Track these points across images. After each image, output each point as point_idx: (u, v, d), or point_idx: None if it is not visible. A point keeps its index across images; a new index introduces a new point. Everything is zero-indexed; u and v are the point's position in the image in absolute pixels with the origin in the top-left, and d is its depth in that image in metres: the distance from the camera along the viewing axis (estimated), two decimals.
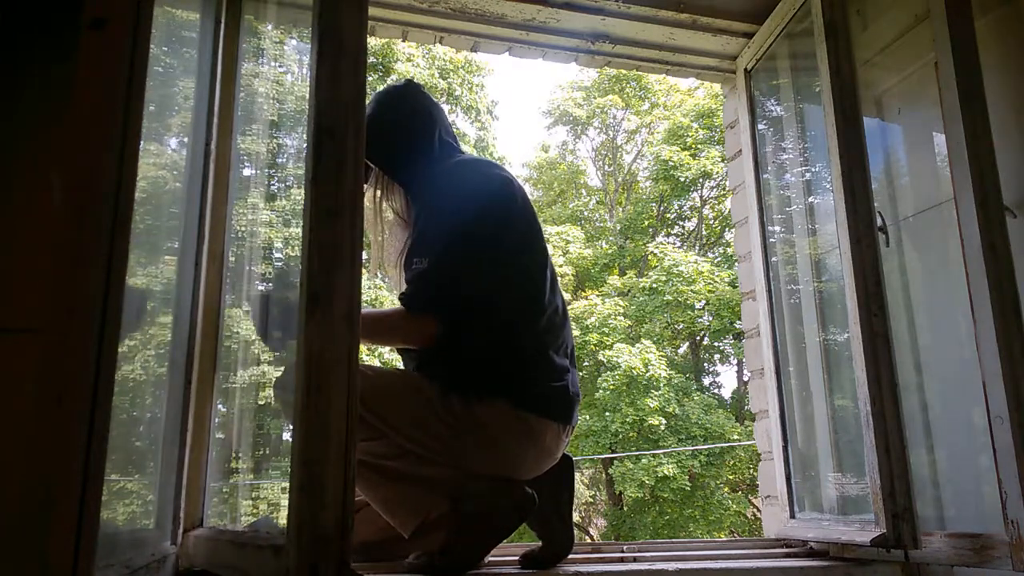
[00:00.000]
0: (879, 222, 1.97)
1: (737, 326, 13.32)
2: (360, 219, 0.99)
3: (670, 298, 13.38)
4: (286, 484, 0.93)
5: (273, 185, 1.99)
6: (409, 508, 1.62)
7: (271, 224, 1.94)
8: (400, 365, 1.88)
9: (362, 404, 1.57)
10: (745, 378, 15.09)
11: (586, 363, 13.41)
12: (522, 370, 1.68)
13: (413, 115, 1.82)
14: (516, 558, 1.75)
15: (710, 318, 14.16)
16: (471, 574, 1.61)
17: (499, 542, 1.65)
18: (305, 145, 1.04)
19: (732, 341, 15.02)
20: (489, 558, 1.77)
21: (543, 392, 1.68)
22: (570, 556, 1.84)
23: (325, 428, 0.90)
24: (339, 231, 0.96)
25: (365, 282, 11.71)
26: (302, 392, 0.91)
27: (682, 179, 15.35)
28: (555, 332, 1.75)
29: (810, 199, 2.32)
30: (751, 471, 13.30)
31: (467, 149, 15.65)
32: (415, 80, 1.96)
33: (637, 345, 12.72)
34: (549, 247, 1.89)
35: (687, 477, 12.25)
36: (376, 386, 1.63)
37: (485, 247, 1.69)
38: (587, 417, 12.46)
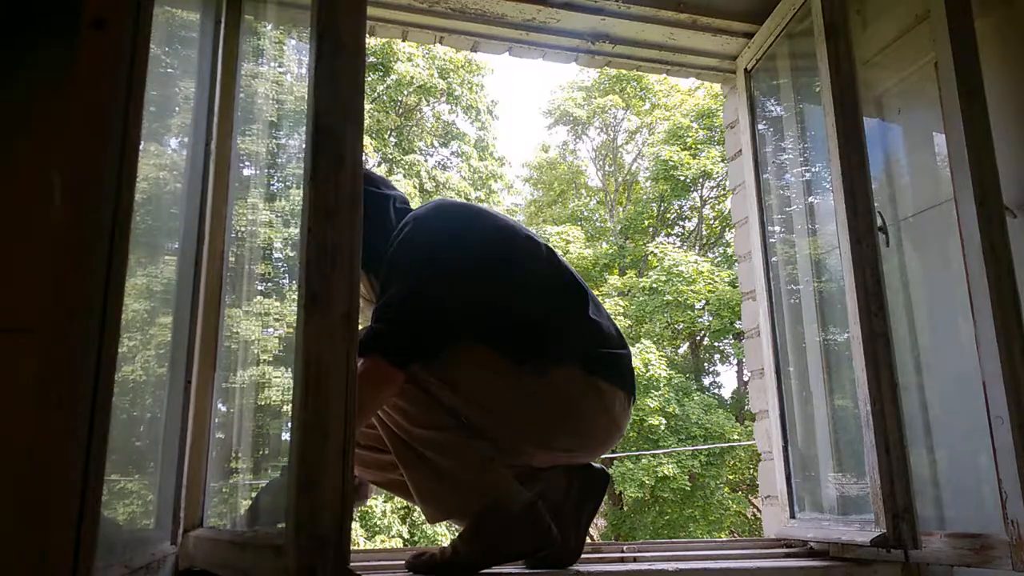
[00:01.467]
0: (879, 222, 1.97)
1: (737, 326, 13.32)
2: (359, 218, 0.99)
3: (670, 298, 13.38)
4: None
5: (273, 185, 1.99)
6: (442, 505, 1.64)
7: (271, 224, 1.94)
8: None
9: (443, 384, 1.60)
10: (745, 378, 15.09)
11: None
12: (591, 337, 1.69)
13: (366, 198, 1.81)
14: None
15: (710, 318, 14.17)
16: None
17: (505, 563, 1.64)
18: (304, 145, 1.04)
19: (732, 341, 15.02)
20: None
21: (611, 359, 1.69)
22: None
23: (324, 428, 0.90)
24: (338, 231, 0.96)
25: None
26: (300, 392, 0.91)
27: (682, 179, 15.36)
28: (603, 313, 1.77)
29: (810, 199, 2.32)
30: (751, 471, 13.30)
31: (467, 149, 15.68)
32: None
33: (637, 345, 12.72)
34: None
35: (687, 477, 12.25)
36: (455, 362, 1.63)
37: (478, 254, 1.68)
38: None
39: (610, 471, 12.68)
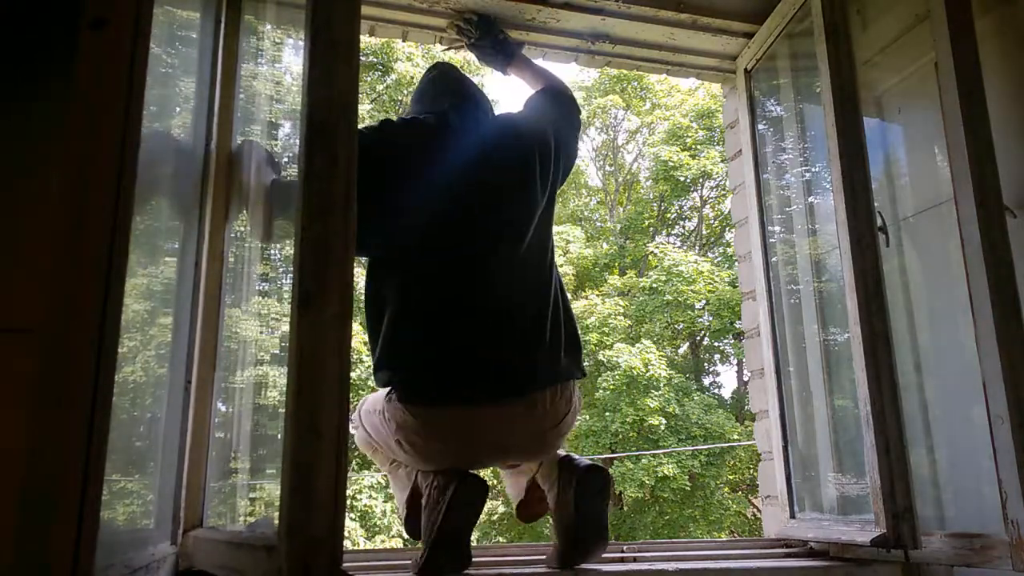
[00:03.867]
0: (879, 222, 1.97)
1: (737, 326, 13.32)
2: (353, 216, 0.98)
3: (670, 298, 13.37)
4: None
5: None
6: (399, 503, 1.85)
7: None
8: None
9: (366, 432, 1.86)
10: (745, 378, 15.08)
11: (586, 363, 13.42)
12: (401, 358, 1.66)
13: None
14: (526, 557, 1.82)
15: (710, 318, 14.16)
16: (470, 573, 1.61)
17: (460, 532, 1.61)
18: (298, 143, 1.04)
19: (732, 341, 15.01)
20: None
21: (421, 379, 1.66)
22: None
23: (316, 428, 0.89)
24: (331, 229, 0.96)
25: (364, 281, 11.69)
26: (293, 391, 0.91)
27: (682, 179, 15.35)
28: (459, 292, 1.69)
29: (810, 199, 2.32)
30: (751, 471, 13.29)
31: None
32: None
33: (637, 345, 12.72)
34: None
35: (687, 477, 12.25)
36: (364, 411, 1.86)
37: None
38: (587, 417, 12.47)
39: (610, 471, 12.72)
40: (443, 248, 1.70)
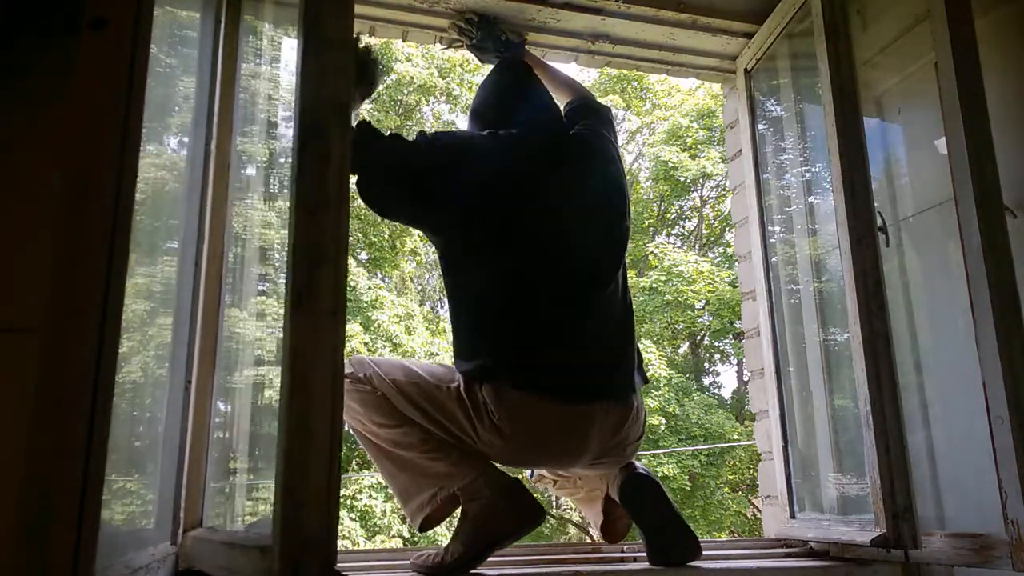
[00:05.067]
0: (879, 222, 1.97)
1: (737, 326, 13.31)
2: (345, 215, 0.98)
3: (670, 298, 13.37)
4: None
5: (272, 184, 1.99)
6: (419, 501, 1.68)
7: (271, 224, 1.94)
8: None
9: (401, 394, 1.66)
10: (745, 378, 15.09)
11: None
12: (521, 346, 1.65)
13: None
14: (526, 557, 1.80)
15: (710, 318, 14.15)
16: (475, 573, 1.61)
17: (501, 547, 1.64)
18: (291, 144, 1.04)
19: (732, 341, 15.00)
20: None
21: (545, 368, 1.64)
22: (570, 556, 1.85)
23: (309, 427, 0.89)
24: (323, 229, 0.96)
25: (365, 281, 11.70)
26: (286, 390, 0.91)
27: (682, 179, 15.34)
28: (565, 290, 1.71)
29: (810, 199, 2.32)
30: (751, 471, 13.29)
31: None
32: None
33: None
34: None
35: (687, 477, 12.24)
36: (409, 378, 1.69)
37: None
38: None
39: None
40: (554, 252, 1.73)
